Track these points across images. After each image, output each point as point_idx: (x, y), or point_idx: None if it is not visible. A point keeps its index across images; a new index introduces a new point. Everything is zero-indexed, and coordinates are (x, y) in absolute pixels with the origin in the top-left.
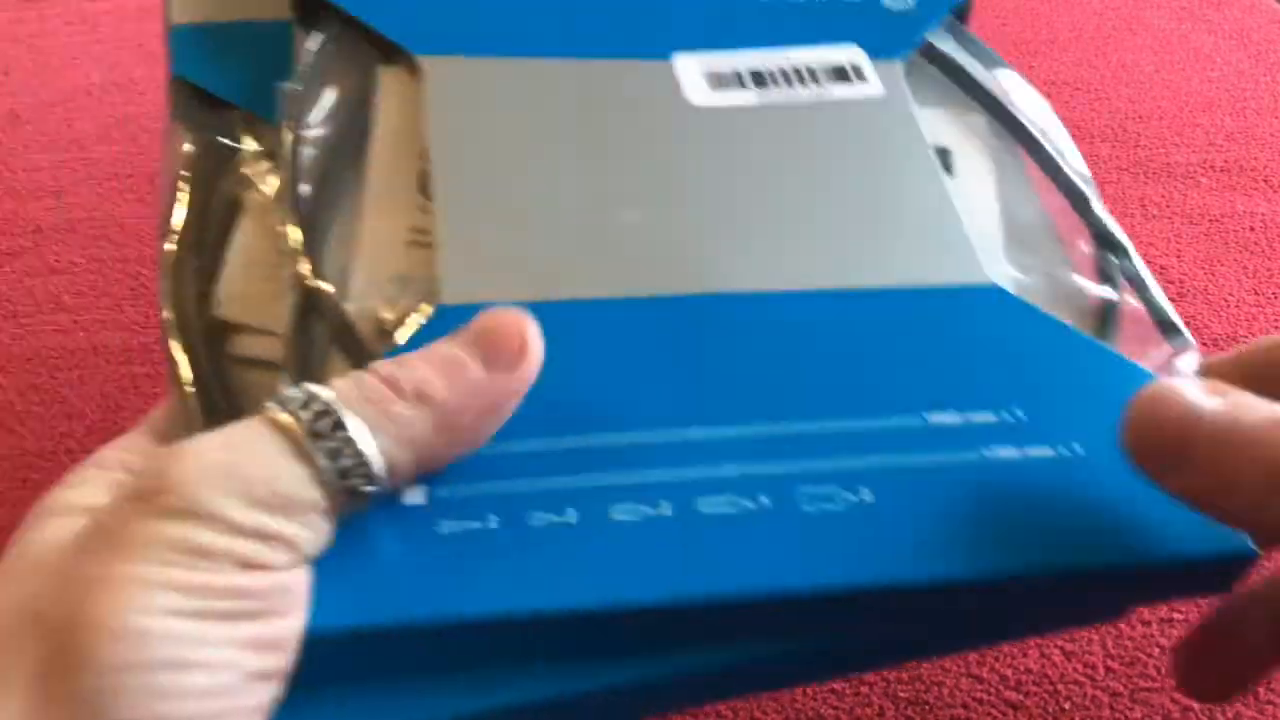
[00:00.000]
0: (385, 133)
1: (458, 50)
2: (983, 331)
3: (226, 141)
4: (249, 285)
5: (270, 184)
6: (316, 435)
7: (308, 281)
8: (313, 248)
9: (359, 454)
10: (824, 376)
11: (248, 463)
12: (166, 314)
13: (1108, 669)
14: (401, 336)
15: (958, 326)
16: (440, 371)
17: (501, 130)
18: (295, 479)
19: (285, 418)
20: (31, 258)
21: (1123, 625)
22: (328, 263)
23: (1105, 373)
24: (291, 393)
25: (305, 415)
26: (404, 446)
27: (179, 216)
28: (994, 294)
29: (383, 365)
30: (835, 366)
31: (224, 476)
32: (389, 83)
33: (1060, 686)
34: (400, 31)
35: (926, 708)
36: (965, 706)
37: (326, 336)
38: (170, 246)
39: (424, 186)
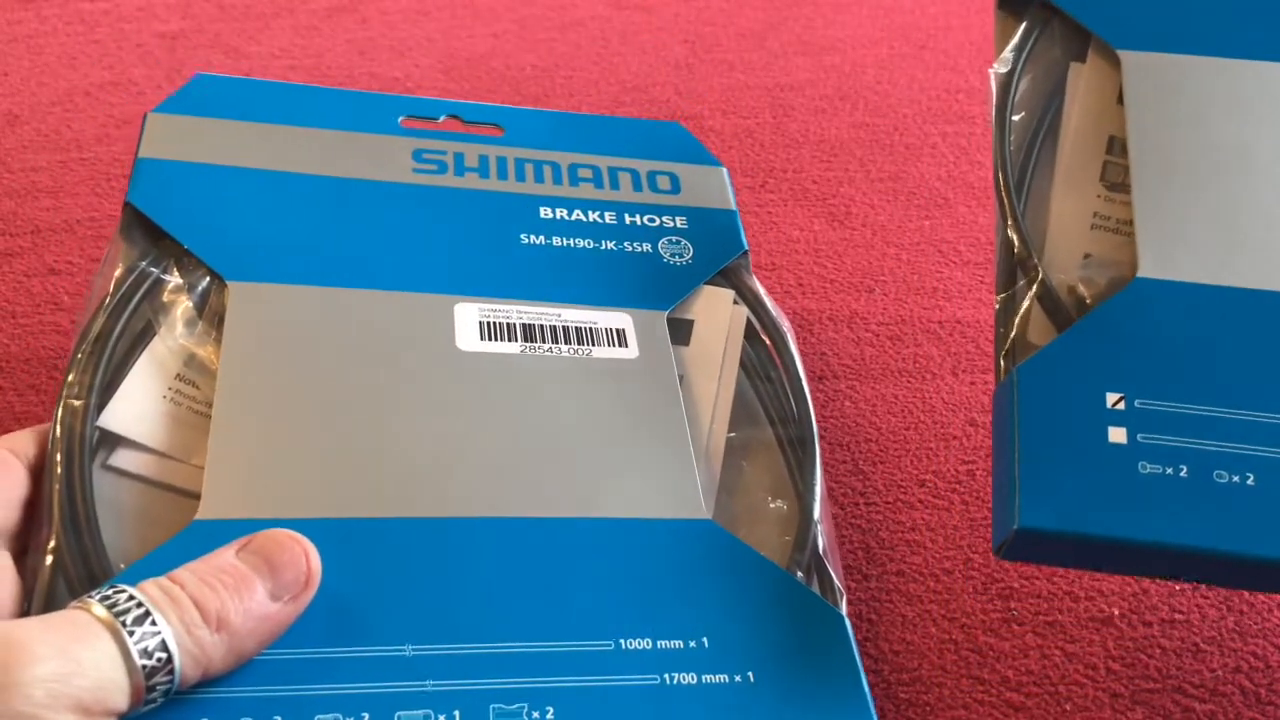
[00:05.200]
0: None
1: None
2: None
3: (155, 271)
4: (142, 404)
5: (184, 316)
6: (145, 654)
7: (1017, 249)
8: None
9: (171, 672)
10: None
11: (79, 675)
12: (57, 413)
13: (1109, 670)
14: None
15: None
16: (236, 594)
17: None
18: (117, 690)
19: (124, 637)
20: (30, 258)
21: (1124, 627)
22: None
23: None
24: (126, 604)
25: (138, 633)
26: (198, 668)
27: (94, 330)
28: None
29: (190, 580)
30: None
31: (58, 685)
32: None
33: (1061, 687)
34: None
35: (928, 709)
36: (966, 707)
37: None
38: (79, 356)
39: None
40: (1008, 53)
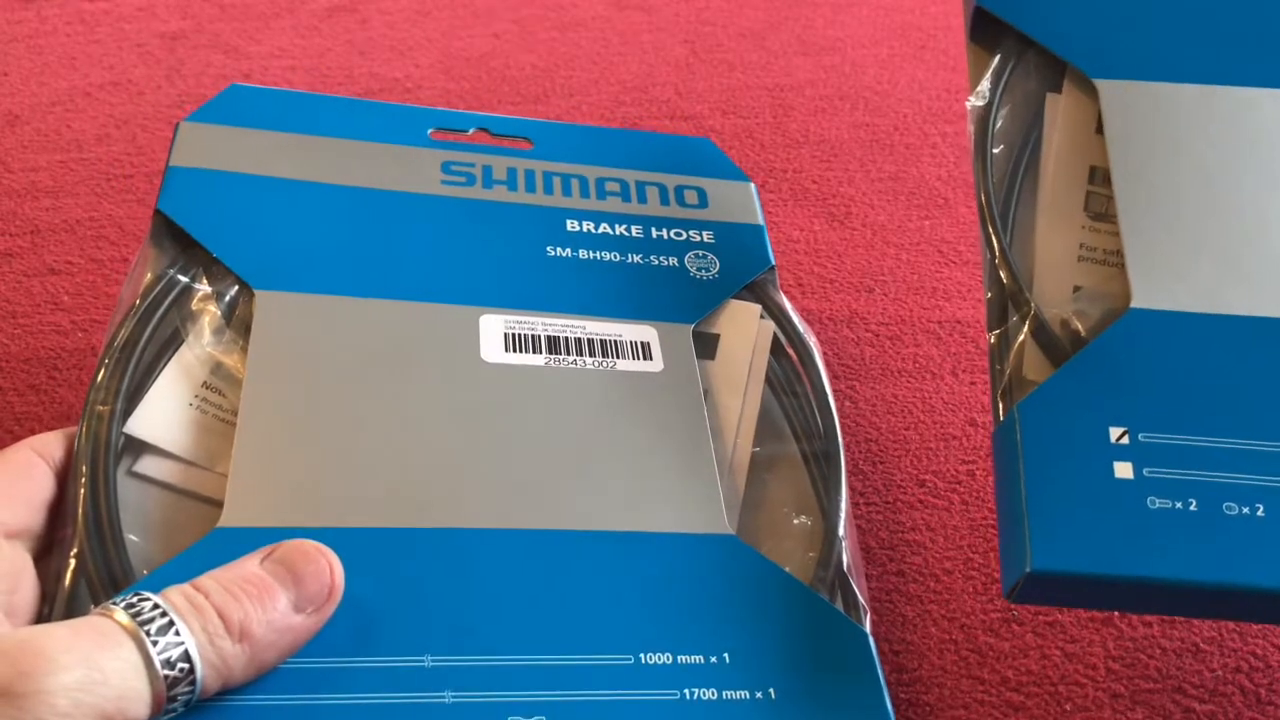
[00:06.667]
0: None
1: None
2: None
3: (184, 279)
4: (168, 411)
5: (212, 324)
6: (168, 664)
7: (1008, 284)
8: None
9: (193, 682)
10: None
11: (102, 684)
12: (83, 419)
13: (1109, 670)
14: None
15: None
16: (259, 604)
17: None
18: (139, 699)
19: (147, 646)
20: (30, 258)
21: (1124, 626)
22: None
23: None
24: (150, 613)
25: (161, 643)
26: (219, 678)
27: (122, 336)
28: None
29: (214, 589)
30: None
31: (81, 694)
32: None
33: (1061, 688)
34: None
35: (928, 709)
36: (966, 708)
37: (1023, 330)
38: (106, 362)
39: None
40: (984, 85)
